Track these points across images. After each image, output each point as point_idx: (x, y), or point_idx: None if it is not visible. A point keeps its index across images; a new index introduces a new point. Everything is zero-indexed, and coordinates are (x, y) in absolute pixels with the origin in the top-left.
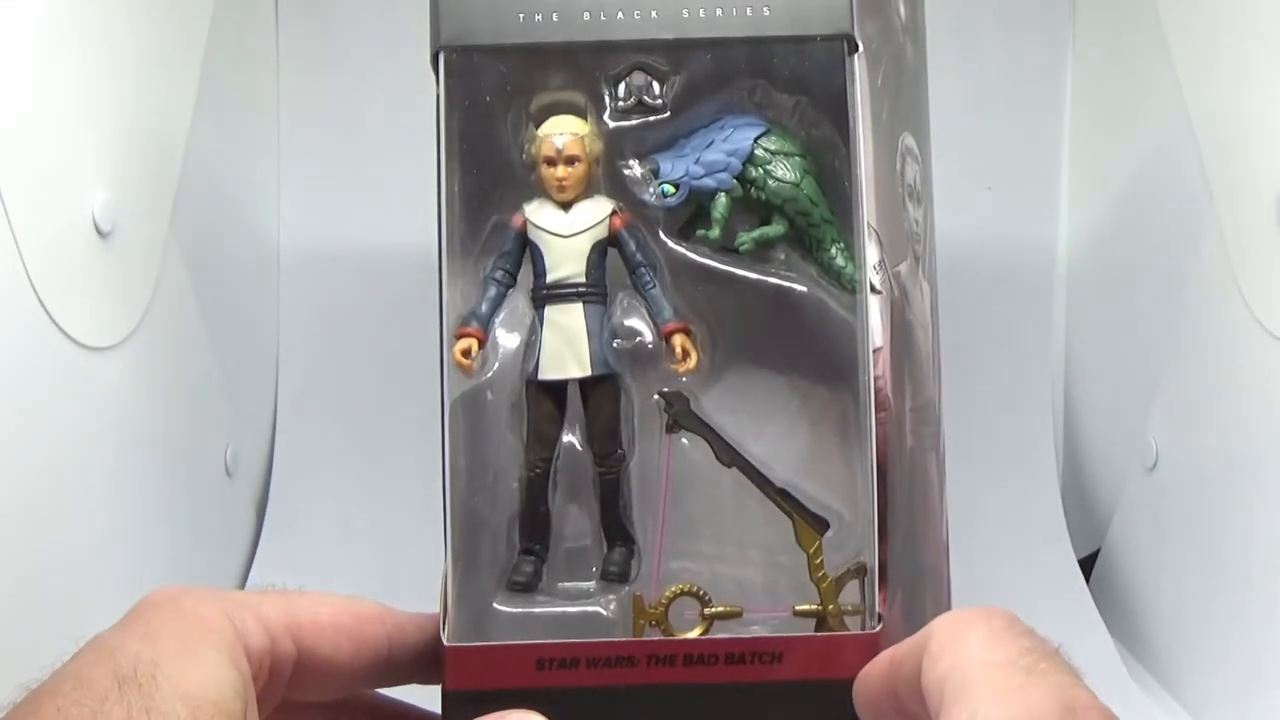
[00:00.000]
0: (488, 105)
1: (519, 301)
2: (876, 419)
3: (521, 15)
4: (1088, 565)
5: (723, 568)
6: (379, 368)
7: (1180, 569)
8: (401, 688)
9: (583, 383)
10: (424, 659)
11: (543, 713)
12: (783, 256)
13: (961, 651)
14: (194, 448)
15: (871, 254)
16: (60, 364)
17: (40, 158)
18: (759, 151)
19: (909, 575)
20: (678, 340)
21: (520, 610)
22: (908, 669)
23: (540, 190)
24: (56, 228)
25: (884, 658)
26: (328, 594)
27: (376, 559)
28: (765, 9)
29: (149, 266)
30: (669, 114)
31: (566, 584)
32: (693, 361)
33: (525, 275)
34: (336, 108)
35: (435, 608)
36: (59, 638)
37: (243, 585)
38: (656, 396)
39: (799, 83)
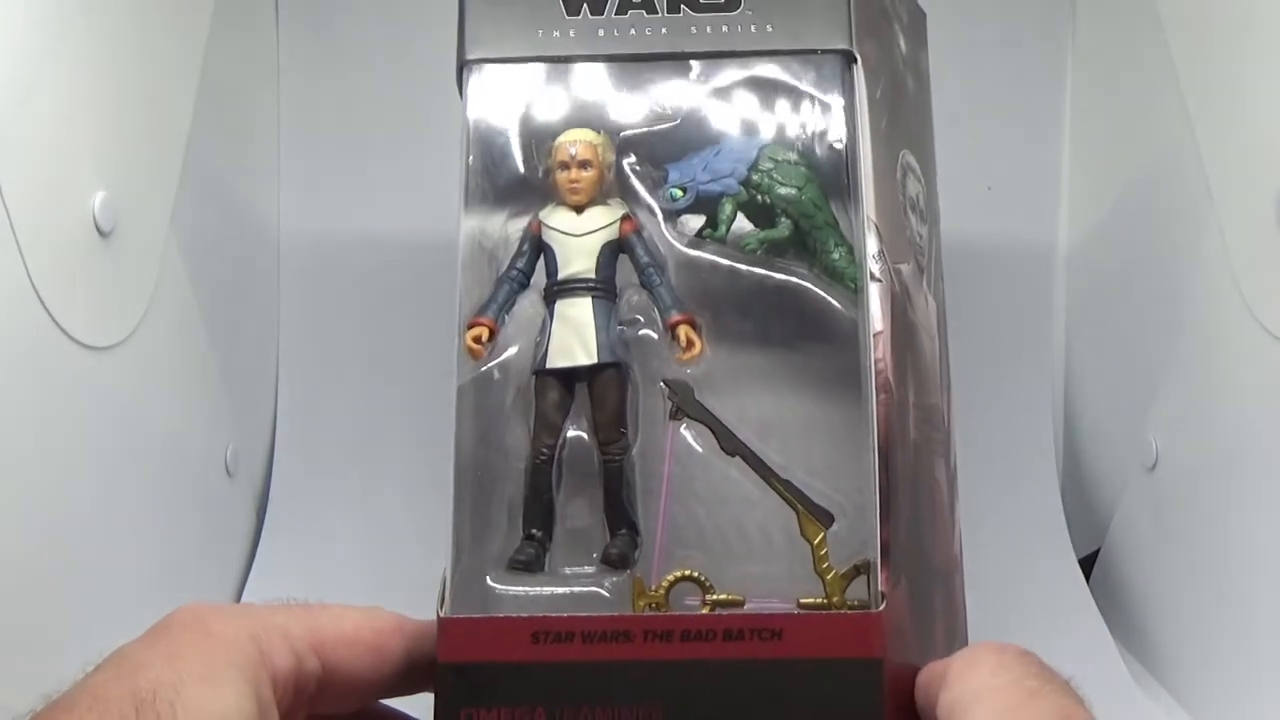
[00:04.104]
0: (508, 117)
1: (532, 301)
2: (878, 400)
3: (540, 32)
4: (1088, 565)
5: (726, 557)
6: (379, 367)
7: (1180, 569)
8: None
9: (589, 371)
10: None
11: (539, 687)
12: (787, 253)
13: (973, 676)
14: (194, 448)
15: (871, 244)
16: (60, 364)
17: (40, 158)
18: (763, 159)
19: (915, 567)
20: (682, 330)
21: (520, 590)
22: (932, 693)
23: (555, 197)
24: (56, 227)
25: (921, 677)
26: (348, 607)
27: (377, 559)
28: (768, 26)
29: (149, 266)
30: (679, 122)
31: (567, 570)
32: (697, 350)
33: (538, 279)
34: (336, 107)
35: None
36: (58, 637)
37: (243, 585)
38: (661, 384)
39: (802, 94)
